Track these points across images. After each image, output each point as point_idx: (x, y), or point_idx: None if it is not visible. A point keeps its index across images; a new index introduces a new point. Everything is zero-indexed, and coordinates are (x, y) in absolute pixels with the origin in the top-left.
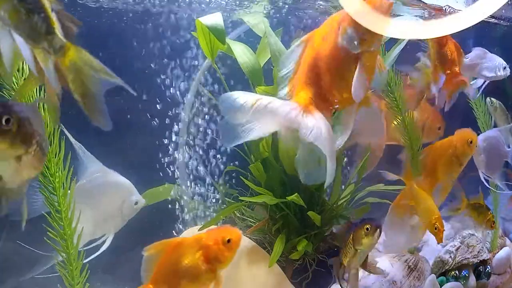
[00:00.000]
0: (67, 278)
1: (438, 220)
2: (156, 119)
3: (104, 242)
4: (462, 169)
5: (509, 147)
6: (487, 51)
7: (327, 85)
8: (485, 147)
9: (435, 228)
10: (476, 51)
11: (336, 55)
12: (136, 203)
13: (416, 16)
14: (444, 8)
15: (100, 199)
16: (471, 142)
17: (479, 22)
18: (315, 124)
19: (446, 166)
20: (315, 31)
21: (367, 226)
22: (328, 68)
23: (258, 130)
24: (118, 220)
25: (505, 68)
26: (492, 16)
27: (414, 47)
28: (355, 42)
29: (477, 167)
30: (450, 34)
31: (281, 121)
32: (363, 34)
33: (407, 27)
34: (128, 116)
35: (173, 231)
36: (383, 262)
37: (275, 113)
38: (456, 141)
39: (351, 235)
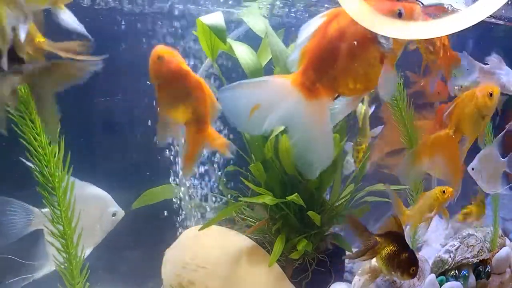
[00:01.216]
0: (67, 277)
1: (441, 187)
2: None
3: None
4: (485, 122)
5: (503, 157)
6: (503, 62)
7: (341, 67)
8: (482, 168)
9: (443, 192)
10: (495, 59)
11: (364, 41)
12: (114, 214)
13: None
14: (447, 7)
15: (79, 214)
16: (491, 94)
17: (479, 22)
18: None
19: (468, 117)
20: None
21: (414, 268)
22: (349, 50)
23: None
24: (97, 234)
25: None
26: (492, 16)
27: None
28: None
29: (482, 188)
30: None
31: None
32: None
33: (406, 27)
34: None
35: (173, 232)
36: None
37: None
38: (478, 92)
39: (396, 260)
